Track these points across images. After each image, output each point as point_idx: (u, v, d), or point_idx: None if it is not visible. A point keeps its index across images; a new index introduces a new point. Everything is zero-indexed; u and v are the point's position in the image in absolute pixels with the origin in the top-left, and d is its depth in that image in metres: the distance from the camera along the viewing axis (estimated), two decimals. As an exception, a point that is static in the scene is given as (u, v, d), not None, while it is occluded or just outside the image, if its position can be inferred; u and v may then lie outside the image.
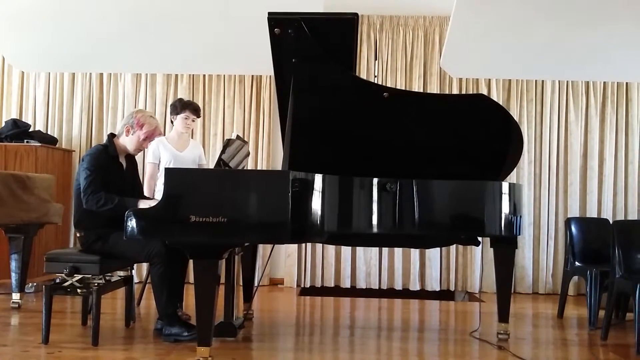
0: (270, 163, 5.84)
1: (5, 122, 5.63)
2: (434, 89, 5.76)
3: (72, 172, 5.90)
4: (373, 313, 4.68)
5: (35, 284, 4.91)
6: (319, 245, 5.74)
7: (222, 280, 3.25)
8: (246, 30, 5.11)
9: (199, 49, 5.63)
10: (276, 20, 3.14)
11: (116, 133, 3.65)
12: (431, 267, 5.71)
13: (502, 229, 3.48)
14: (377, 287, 5.73)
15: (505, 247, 3.63)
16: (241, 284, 4.02)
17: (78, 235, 3.54)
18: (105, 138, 5.84)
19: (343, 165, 3.33)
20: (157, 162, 4.26)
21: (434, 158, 3.59)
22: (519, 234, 3.63)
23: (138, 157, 3.86)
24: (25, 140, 5.43)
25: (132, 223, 2.81)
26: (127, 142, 3.56)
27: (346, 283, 5.75)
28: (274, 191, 2.82)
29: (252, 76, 5.91)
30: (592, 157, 5.74)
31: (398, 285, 5.72)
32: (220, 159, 3.31)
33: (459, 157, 3.61)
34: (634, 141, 5.75)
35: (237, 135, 3.68)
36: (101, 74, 6.04)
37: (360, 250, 5.74)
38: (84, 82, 6.04)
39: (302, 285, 5.77)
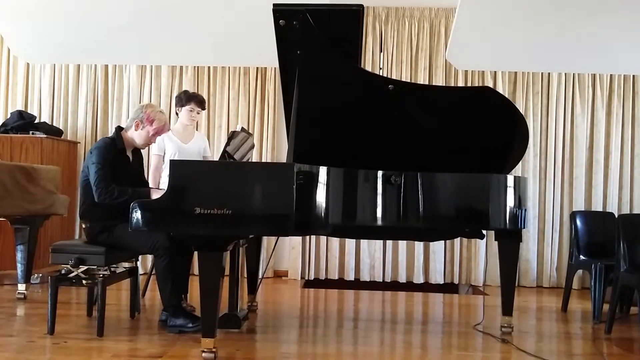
0: (274, 155, 5.84)
1: (11, 113, 5.65)
2: (439, 81, 5.74)
3: (78, 163, 5.92)
4: (377, 305, 4.69)
5: (40, 275, 4.94)
6: (323, 238, 5.74)
7: (227, 272, 3.27)
8: (251, 22, 5.10)
9: (204, 41, 5.62)
10: (281, 12, 3.13)
11: (124, 126, 3.65)
12: (435, 260, 5.71)
13: (507, 222, 3.47)
14: (381, 280, 5.73)
15: (509, 240, 3.63)
16: (245, 276, 4.03)
17: (83, 226, 3.55)
18: (110, 129, 5.92)
19: (348, 157, 3.33)
20: (162, 154, 4.26)
21: (439, 151, 3.58)
22: (524, 227, 3.61)
23: (143, 150, 3.86)
24: (31, 132, 5.44)
25: (137, 215, 2.82)
26: (135, 136, 3.57)
27: (350, 276, 5.75)
28: (278, 183, 2.81)
29: (257, 68, 5.90)
30: (598, 150, 5.71)
31: (402, 278, 5.73)
32: (225, 151, 3.31)
33: (464, 150, 3.59)
34: (640, 134, 5.73)
35: (242, 128, 3.67)
36: (106, 66, 6.04)
37: (364, 242, 5.74)
38: (89, 74, 6.04)
39: (306, 278, 5.78)
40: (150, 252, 3.48)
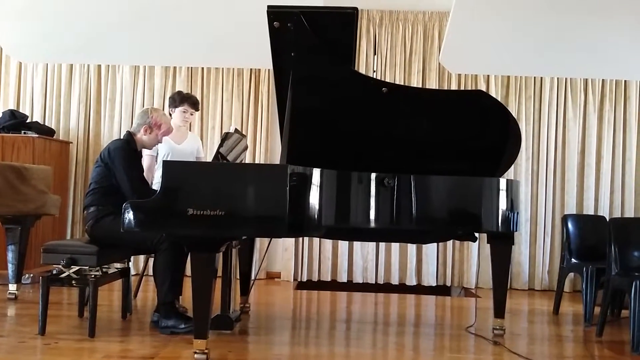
0: (268, 157, 5.84)
1: (3, 112, 5.61)
2: (432, 84, 5.75)
3: (70, 163, 5.90)
4: (369, 307, 4.69)
5: (32, 275, 4.91)
6: (316, 240, 5.74)
7: (219, 273, 3.26)
8: (245, 23, 5.09)
9: (198, 42, 5.61)
10: (275, 14, 3.13)
11: (131, 130, 3.73)
12: (428, 263, 5.72)
13: (499, 225, 3.48)
14: (373, 282, 5.74)
15: (502, 243, 3.64)
16: (238, 277, 4.02)
17: (87, 212, 3.55)
18: (102, 130, 5.94)
19: (341, 159, 3.33)
20: (154, 154, 4.26)
21: (432, 153, 3.59)
22: (516, 230, 3.63)
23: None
24: (23, 131, 5.41)
25: (129, 215, 2.81)
26: (145, 139, 3.71)
27: (343, 277, 5.75)
28: (271, 185, 2.81)
29: (251, 69, 5.90)
30: (589, 154, 5.75)
31: (395, 280, 5.74)
32: (218, 152, 3.31)
33: (457, 153, 3.61)
34: (632, 138, 5.76)
35: (236, 129, 3.68)
36: (99, 66, 6.02)
37: (357, 244, 5.75)
38: (81, 74, 6.02)
39: (299, 279, 5.78)
40: (151, 247, 3.45)
